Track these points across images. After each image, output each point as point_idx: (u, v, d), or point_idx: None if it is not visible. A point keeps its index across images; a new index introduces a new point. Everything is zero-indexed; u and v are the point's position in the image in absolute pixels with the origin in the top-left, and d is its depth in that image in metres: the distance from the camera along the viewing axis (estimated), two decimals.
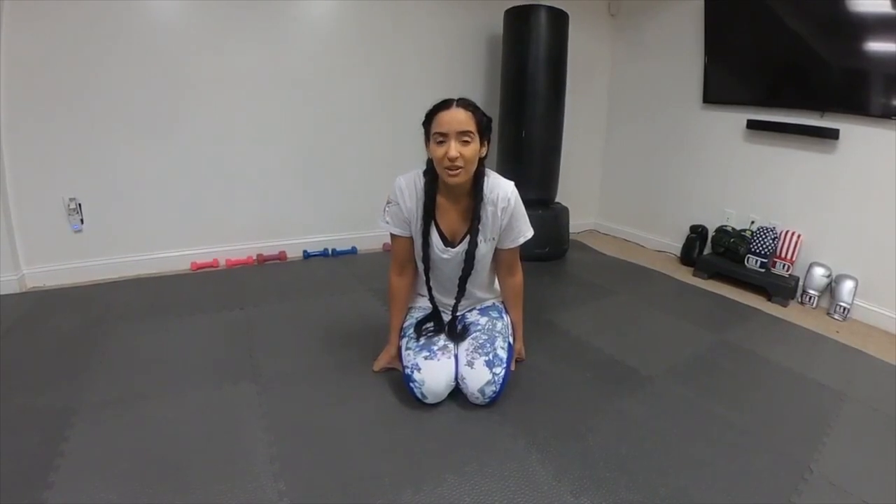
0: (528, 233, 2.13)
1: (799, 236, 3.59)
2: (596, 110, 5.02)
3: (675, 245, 4.44)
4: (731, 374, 2.56)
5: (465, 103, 1.89)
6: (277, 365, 2.32)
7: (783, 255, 3.62)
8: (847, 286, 3.36)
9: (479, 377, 2.03)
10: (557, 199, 4.27)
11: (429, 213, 2.03)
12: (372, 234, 4.03)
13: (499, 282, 2.32)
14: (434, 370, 2.03)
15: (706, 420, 2.14)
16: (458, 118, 1.84)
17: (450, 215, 2.07)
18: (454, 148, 1.83)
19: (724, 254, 3.95)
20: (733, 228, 3.98)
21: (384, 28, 3.76)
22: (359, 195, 3.95)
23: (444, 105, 1.89)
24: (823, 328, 3.19)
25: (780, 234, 3.68)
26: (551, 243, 4.06)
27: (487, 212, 2.03)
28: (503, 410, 2.09)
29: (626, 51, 4.85)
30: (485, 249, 2.09)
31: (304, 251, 3.79)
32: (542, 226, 4.00)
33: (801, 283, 3.60)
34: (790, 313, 3.40)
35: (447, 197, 2.04)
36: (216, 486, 1.61)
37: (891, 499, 1.76)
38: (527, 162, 3.97)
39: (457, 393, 2.13)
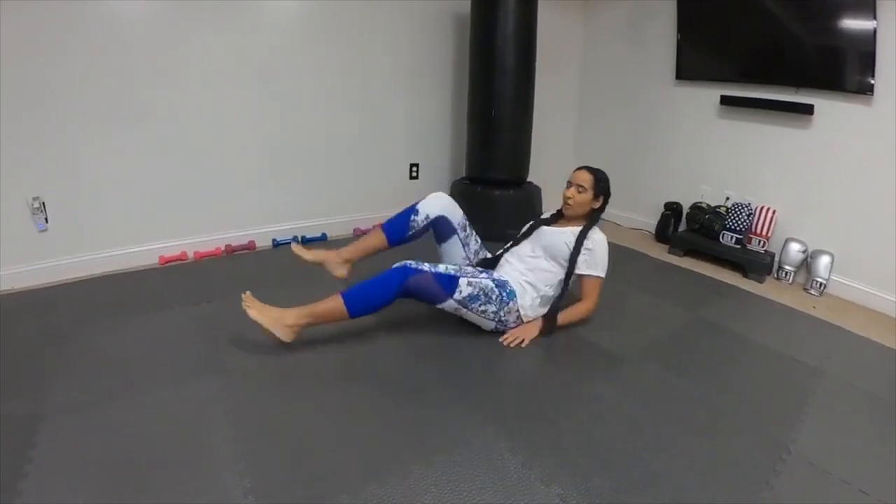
0: (596, 272, 2.51)
1: (774, 212, 3.55)
2: (568, 88, 4.92)
3: (650, 223, 4.40)
4: (707, 352, 2.51)
5: (589, 168, 2.57)
6: (243, 359, 2.22)
7: (758, 231, 3.58)
8: (823, 261, 3.33)
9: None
10: (529, 179, 4.18)
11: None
12: (342, 220, 3.92)
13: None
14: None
15: (682, 401, 2.08)
16: (581, 176, 2.53)
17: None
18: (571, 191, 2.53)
19: (699, 230, 3.90)
20: (708, 205, 3.93)
21: (349, 10, 3.61)
22: (327, 180, 3.83)
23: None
24: (800, 304, 3.16)
25: (756, 210, 3.63)
26: (523, 223, 3.93)
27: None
28: (472, 397, 2.01)
29: (598, 28, 4.75)
30: (557, 240, 2.52)
31: (273, 240, 3.66)
32: (514, 207, 3.95)
33: (776, 259, 3.58)
34: (766, 289, 3.37)
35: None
36: (181, 486, 1.54)
37: (869, 476, 1.73)
38: (497, 141, 3.86)
39: (425, 386, 2.08)
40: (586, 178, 2.51)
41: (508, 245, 2.69)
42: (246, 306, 2.18)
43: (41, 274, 2.88)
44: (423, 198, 2.55)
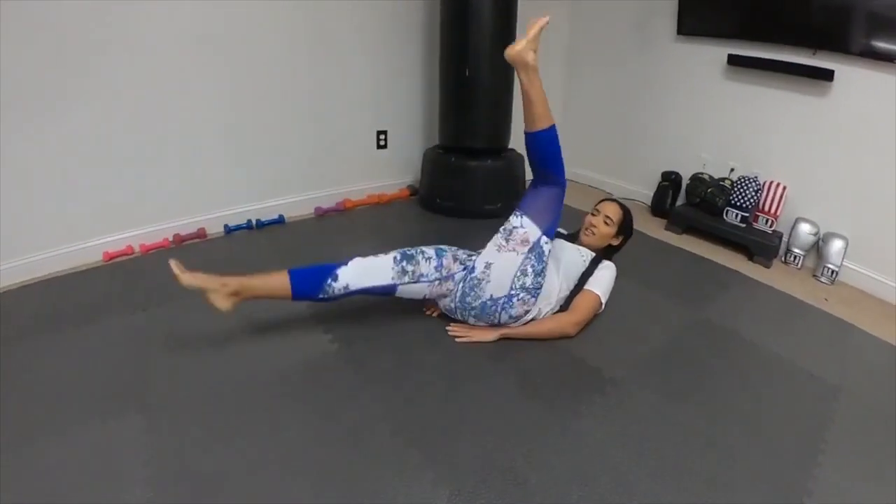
0: (596, 290, 2.32)
1: (784, 188, 3.18)
2: (555, 44, 4.41)
3: (646, 193, 4.03)
4: (710, 366, 2.20)
5: (619, 203, 2.55)
6: (171, 388, 1.88)
7: (766, 208, 3.22)
8: (836, 246, 2.99)
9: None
10: (511, 147, 3.76)
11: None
12: (301, 198, 3.54)
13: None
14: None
15: (682, 439, 1.76)
16: (611, 209, 2.50)
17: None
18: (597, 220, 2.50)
19: (700, 205, 3.54)
20: (710, 177, 3.55)
21: None
22: (284, 155, 3.42)
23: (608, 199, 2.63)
24: (811, 295, 2.84)
25: (763, 185, 3.26)
26: (503, 197, 3.56)
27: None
28: (423, 442, 1.68)
29: None
30: (575, 255, 2.42)
31: (226, 225, 3.29)
32: (493, 178, 3.60)
33: (785, 241, 3.23)
34: (774, 276, 3.04)
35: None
36: None
37: None
38: (472, 105, 3.44)
39: (366, 424, 1.75)
40: (615, 212, 2.48)
41: None
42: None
43: None
44: (345, 261, 2.12)
